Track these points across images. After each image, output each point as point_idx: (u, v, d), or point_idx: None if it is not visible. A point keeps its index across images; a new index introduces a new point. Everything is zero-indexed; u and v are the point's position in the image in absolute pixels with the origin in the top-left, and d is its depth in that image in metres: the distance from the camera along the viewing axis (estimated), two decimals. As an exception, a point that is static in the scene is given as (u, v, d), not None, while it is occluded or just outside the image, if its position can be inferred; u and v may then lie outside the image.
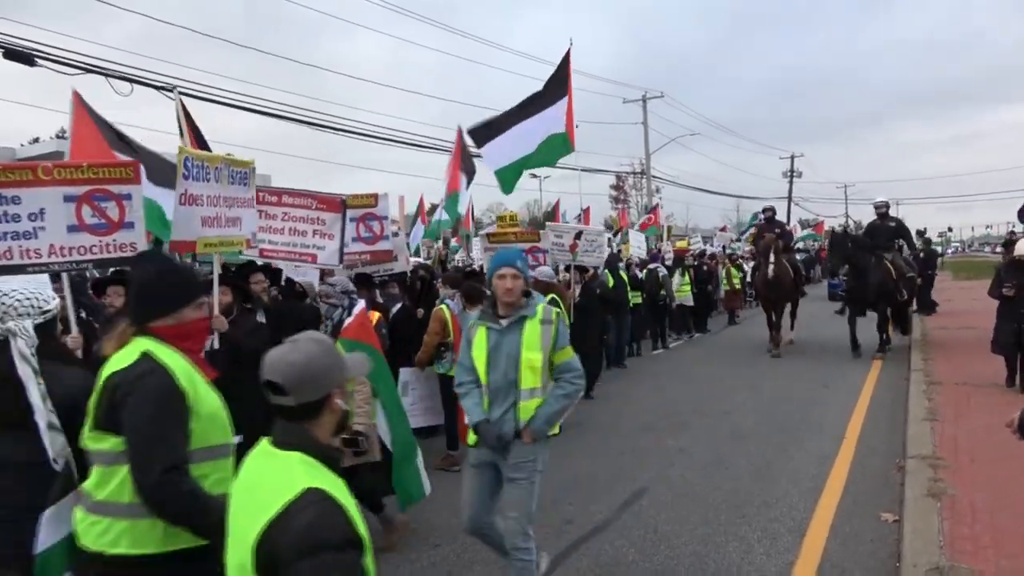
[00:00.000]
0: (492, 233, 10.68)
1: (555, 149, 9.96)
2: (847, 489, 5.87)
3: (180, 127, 7.90)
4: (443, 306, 6.97)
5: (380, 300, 7.98)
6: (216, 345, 4.90)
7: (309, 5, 75.19)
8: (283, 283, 8.15)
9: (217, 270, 5.16)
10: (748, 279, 18.77)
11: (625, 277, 12.80)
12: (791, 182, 53.37)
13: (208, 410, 2.41)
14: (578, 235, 10.60)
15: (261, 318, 5.62)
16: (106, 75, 14.52)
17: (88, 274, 5.76)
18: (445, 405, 6.98)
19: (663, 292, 14.13)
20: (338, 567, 1.64)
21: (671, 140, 37.30)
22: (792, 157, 53.78)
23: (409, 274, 9.11)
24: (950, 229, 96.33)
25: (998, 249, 42.97)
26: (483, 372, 3.80)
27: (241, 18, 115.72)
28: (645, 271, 14.25)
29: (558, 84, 10.04)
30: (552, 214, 13.07)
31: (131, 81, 14.84)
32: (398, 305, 7.97)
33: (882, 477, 6.13)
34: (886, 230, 12.59)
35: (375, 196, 8.14)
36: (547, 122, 9.85)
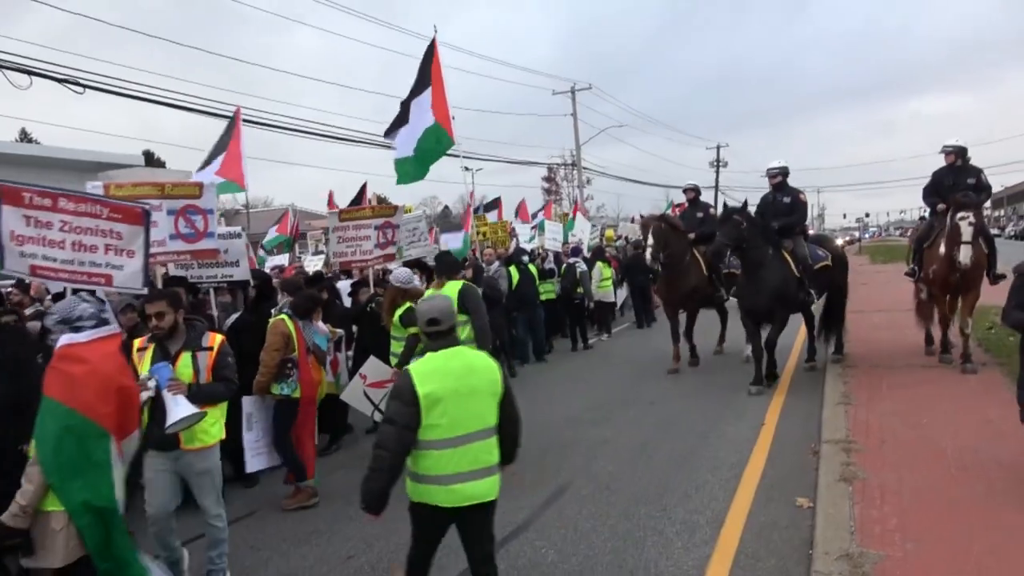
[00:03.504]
0: (345, 210, 9.90)
1: (440, 142, 9.79)
2: (764, 476, 5.94)
3: None
4: (283, 316, 6.06)
5: (213, 311, 7.18)
6: None
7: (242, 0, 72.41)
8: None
9: None
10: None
11: (534, 270, 12.55)
12: (717, 171, 54.85)
13: None
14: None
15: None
16: (0, 67, 13.69)
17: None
18: (284, 434, 5.94)
19: (580, 290, 13.14)
20: None
21: (600, 131, 37.76)
22: (718, 147, 55.29)
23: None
24: (867, 215, 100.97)
25: (908, 232, 45.04)
26: None
27: (170, 13, 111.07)
28: (564, 267, 13.48)
29: (423, 74, 9.86)
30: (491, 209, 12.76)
31: (29, 74, 14.07)
32: (234, 316, 6.98)
33: (799, 463, 6.22)
34: (780, 208, 9.52)
35: (199, 186, 7.06)
36: (422, 113, 9.69)
